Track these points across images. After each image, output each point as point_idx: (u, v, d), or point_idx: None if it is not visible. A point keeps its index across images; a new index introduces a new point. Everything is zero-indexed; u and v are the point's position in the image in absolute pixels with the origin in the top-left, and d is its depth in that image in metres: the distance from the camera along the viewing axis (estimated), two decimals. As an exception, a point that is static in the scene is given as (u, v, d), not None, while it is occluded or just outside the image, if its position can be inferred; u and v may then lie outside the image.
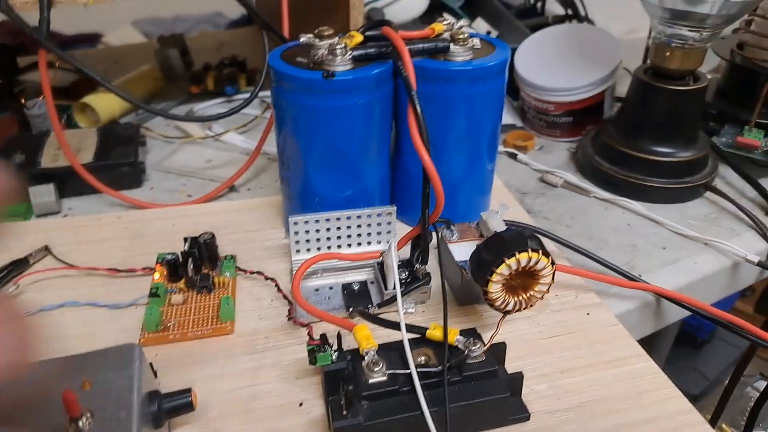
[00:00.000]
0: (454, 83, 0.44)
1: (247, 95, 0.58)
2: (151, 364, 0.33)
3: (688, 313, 0.46)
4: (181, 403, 0.32)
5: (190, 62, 0.77)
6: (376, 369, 0.32)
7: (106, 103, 0.64)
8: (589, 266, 0.46)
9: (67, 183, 0.54)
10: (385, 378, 0.32)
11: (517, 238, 0.35)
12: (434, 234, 0.43)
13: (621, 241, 0.51)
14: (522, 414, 0.34)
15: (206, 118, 0.59)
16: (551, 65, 0.64)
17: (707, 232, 0.52)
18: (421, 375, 0.32)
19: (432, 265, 0.45)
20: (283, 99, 0.44)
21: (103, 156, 0.56)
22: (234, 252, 0.47)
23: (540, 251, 0.35)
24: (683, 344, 1.21)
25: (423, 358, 0.34)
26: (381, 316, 0.38)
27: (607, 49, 0.63)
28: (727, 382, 0.69)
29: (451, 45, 0.44)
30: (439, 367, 0.33)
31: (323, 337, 0.34)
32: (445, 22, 0.46)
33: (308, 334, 0.34)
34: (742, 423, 0.69)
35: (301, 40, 0.44)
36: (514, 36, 0.72)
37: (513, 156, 0.63)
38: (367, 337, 0.34)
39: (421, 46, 0.44)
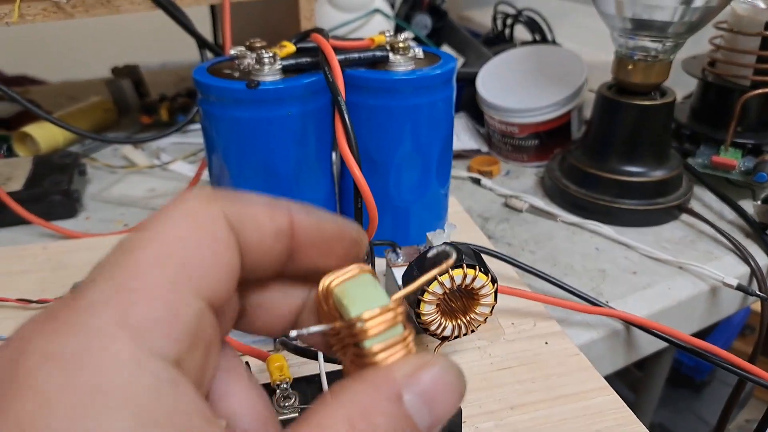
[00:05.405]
0: (397, 94, 0.41)
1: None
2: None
3: (664, 344, 0.42)
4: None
5: (145, 93, 0.74)
6: (286, 404, 0.28)
7: (47, 133, 0.60)
8: (552, 293, 0.42)
9: (-5, 213, 0.51)
10: (296, 415, 0.28)
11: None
12: (385, 258, 0.40)
13: (588, 266, 0.47)
14: (460, 457, 0.30)
15: (140, 139, 0.56)
16: (514, 86, 0.61)
17: (682, 255, 0.48)
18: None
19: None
20: (209, 114, 0.40)
21: (34, 185, 0.52)
22: (163, 283, 0.43)
23: (477, 268, 0.31)
24: (680, 386, 1.15)
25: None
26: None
27: (572, 69, 0.60)
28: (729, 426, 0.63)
29: (390, 54, 0.41)
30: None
31: (229, 369, 0.30)
32: (387, 34, 0.43)
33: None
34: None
35: (231, 52, 0.41)
36: (480, 63, 0.69)
37: (477, 181, 0.60)
38: (281, 368, 0.29)
39: (357, 55, 0.41)
